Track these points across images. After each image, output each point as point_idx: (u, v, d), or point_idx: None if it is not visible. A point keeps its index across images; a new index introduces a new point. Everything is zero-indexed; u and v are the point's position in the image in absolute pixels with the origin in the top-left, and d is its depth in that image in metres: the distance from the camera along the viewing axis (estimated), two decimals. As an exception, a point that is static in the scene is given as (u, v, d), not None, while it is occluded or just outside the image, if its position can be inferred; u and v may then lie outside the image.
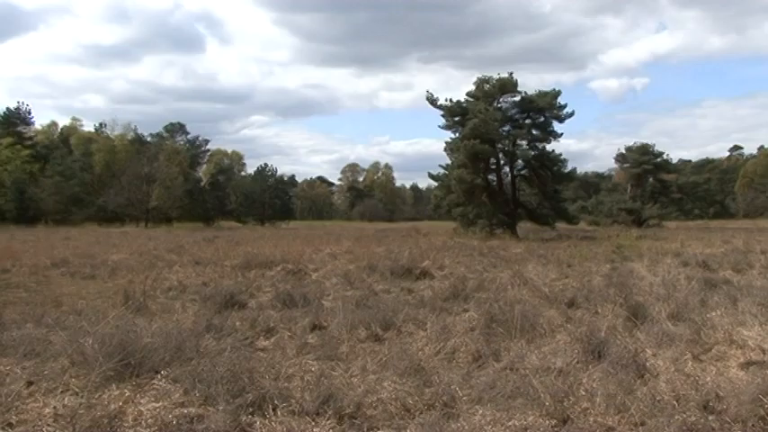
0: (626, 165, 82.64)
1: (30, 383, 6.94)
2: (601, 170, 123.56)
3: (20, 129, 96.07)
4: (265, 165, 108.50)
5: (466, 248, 29.17)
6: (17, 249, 27.80)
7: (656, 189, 79.79)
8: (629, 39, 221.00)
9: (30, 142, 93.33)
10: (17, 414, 6.04)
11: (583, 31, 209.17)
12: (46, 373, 7.24)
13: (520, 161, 50.77)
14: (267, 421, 5.96)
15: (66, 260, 22.29)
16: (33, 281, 17.51)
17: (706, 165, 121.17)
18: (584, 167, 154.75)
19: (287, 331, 10.32)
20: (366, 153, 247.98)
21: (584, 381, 6.98)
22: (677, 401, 6.42)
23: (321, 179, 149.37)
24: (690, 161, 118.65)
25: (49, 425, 5.79)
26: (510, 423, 5.91)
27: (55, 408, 6.11)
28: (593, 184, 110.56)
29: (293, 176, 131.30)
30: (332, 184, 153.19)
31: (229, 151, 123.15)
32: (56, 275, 18.99)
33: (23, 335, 9.03)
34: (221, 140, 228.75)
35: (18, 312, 11.59)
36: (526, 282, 15.87)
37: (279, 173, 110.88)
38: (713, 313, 10.64)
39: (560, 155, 50.02)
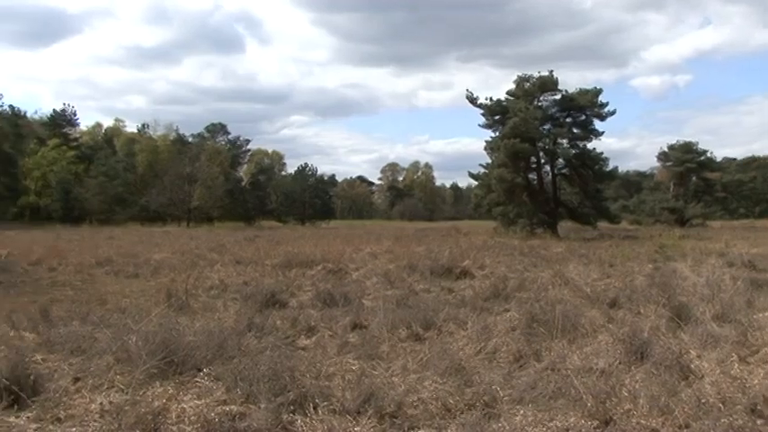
0: (668, 163, 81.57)
1: (77, 380, 7.06)
2: (643, 169, 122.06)
3: (65, 130, 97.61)
4: (305, 164, 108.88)
5: (506, 248, 29.03)
6: (63, 248, 28.21)
7: (700, 188, 78.63)
8: (672, 35, 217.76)
9: (75, 143, 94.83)
10: (65, 409, 6.15)
11: (624, 28, 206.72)
12: (92, 369, 7.36)
13: (560, 160, 50.45)
14: (308, 420, 5.99)
15: (110, 259, 22.58)
16: (79, 279, 17.78)
17: (751, 162, 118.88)
18: (625, 166, 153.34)
19: (327, 330, 10.36)
20: (405, 152, 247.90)
21: (626, 382, 6.92)
22: (723, 404, 6.34)
23: (361, 179, 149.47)
24: (735, 159, 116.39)
25: (95, 420, 5.88)
26: (551, 424, 5.88)
27: (101, 404, 6.20)
28: (634, 182, 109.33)
29: (333, 176, 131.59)
30: (372, 183, 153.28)
31: (270, 151, 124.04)
32: (100, 274, 19.25)
33: (70, 332, 9.18)
34: (262, 140, 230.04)
35: (64, 310, 11.78)
36: (567, 281, 15.76)
37: (319, 172, 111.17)
38: (760, 314, 10.49)
39: (601, 153, 49.67)
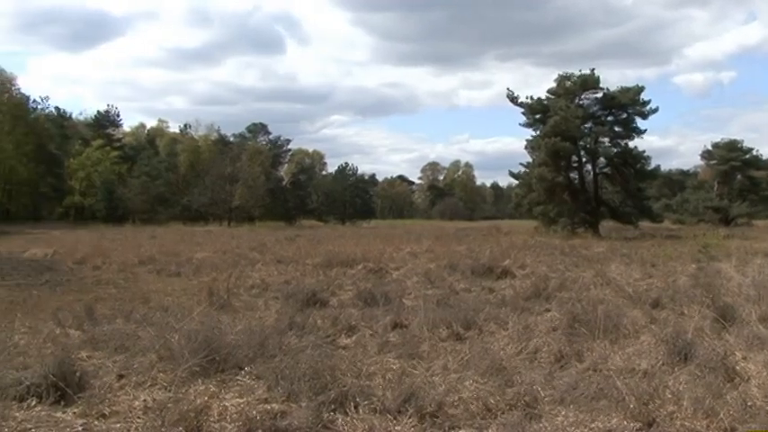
0: (712, 162, 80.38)
1: (121, 377, 7.15)
2: (686, 167, 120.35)
3: (109, 131, 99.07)
4: (346, 164, 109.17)
5: (547, 247, 28.86)
6: (106, 247, 28.62)
7: (745, 186, 77.29)
8: (716, 31, 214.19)
9: (118, 144, 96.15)
10: (110, 406, 6.23)
11: (666, 24, 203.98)
12: (135, 366, 7.45)
13: (602, 159, 50.01)
14: (349, 419, 6.01)
15: (152, 258, 22.86)
16: (122, 278, 18.02)
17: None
18: (668, 165, 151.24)
19: (368, 329, 10.37)
20: (446, 151, 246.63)
21: (670, 383, 6.83)
22: (770, 407, 6.24)
23: (401, 178, 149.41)
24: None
25: (139, 417, 5.95)
26: (593, 425, 5.83)
27: (144, 401, 6.28)
28: (677, 181, 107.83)
29: (374, 175, 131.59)
30: (412, 182, 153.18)
31: (310, 151, 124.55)
32: (143, 273, 19.50)
33: (114, 330, 9.32)
34: (302, 140, 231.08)
35: (108, 308, 11.95)
36: (609, 281, 15.63)
37: (359, 172, 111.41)
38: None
39: (643, 152, 49.08)
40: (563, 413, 6.12)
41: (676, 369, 7.52)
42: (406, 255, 23.78)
